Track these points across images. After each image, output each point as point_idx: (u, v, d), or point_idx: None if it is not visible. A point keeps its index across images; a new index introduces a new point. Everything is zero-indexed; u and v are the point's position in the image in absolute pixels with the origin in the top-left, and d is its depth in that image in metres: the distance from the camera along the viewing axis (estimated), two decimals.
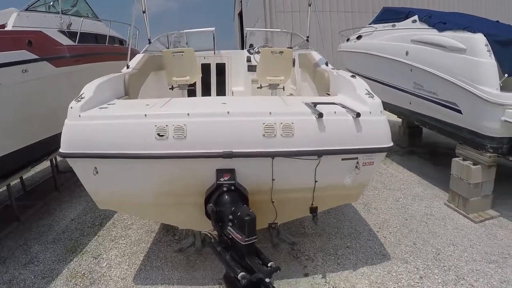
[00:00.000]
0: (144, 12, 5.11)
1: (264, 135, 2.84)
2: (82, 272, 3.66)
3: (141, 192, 3.05)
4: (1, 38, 4.20)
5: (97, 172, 2.88)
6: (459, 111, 4.66)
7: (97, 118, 2.91)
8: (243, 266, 2.63)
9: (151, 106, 3.12)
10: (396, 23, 6.28)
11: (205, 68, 6.46)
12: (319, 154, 2.92)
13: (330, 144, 2.94)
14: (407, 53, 5.59)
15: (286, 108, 3.21)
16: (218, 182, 2.85)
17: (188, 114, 2.87)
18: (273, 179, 2.96)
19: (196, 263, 3.73)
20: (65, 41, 5.44)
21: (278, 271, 2.68)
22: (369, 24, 7.26)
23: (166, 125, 2.80)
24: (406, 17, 6.03)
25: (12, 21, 4.70)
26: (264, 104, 3.52)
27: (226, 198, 2.82)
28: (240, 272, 2.52)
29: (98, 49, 6.17)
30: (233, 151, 2.78)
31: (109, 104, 3.26)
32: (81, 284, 3.46)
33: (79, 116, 2.90)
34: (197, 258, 3.80)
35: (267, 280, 2.51)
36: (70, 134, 2.87)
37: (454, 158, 4.78)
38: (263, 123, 2.85)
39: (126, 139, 2.82)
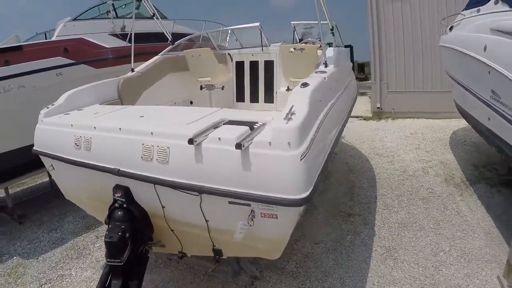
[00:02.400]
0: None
1: (142, 157, 2.60)
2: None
3: (79, 191, 3.38)
4: (40, 48, 4.97)
5: (53, 168, 3.41)
6: None
7: (49, 124, 3.38)
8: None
9: (95, 116, 3.31)
10: (480, 7, 4.50)
11: (253, 66, 6.07)
12: (198, 190, 2.37)
13: (208, 180, 2.33)
14: (485, 48, 3.93)
15: (172, 128, 2.67)
16: (114, 197, 2.82)
17: (95, 127, 2.99)
18: (163, 207, 2.70)
19: None
20: (116, 43, 5.90)
21: None
22: (464, 9, 5.42)
23: (80, 136, 3.02)
24: None
25: (57, 31, 5.43)
26: (169, 120, 3.00)
27: (118, 215, 2.77)
28: None
29: (147, 48, 6.41)
30: (120, 169, 2.71)
31: (73, 111, 3.60)
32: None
33: (42, 121, 3.48)
34: None
35: None
36: (36, 135, 3.46)
37: None
38: (142, 144, 2.63)
39: (60, 145, 3.18)
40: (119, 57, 5.79)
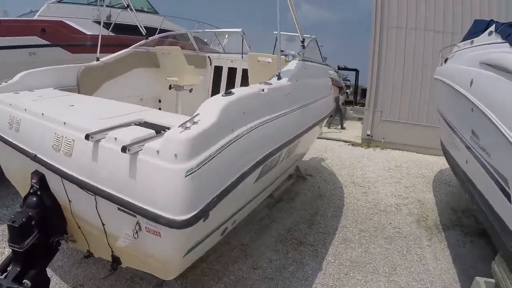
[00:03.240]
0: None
1: (53, 146, 2.49)
2: None
3: (11, 172, 3.34)
4: (17, 25, 4.86)
5: None
6: (508, 196, 2.61)
7: None
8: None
9: (36, 99, 3.15)
10: (474, 39, 4.14)
11: (231, 72, 5.75)
12: (93, 191, 2.15)
13: (101, 181, 2.11)
14: (471, 83, 3.55)
15: (83, 121, 2.44)
16: (31, 182, 2.70)
17: (25, 109, 2.90)
18: (69, 200, 2.57)
19: None
20: (98, 31, 5.64)
21: None
22: (461, 40, 5.07)
23: (13, 117, 2.96)
24: (485, 29, 3.88)
25: (39, 11, 5.36)
26: (91, 113, 2.76)
27: (30, 200, 2.66)
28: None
29: (127, 40, 6.14)
30: (36, 155, 2.60)
31: (25, 91, 3.43)
32: None
33: None
34: None
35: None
36: None
37: (476, 277, 2.78)
38: (55, 133, 2.51)
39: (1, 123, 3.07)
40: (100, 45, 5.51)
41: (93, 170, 2.19)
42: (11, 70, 3.68)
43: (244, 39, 5.52)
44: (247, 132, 2.41)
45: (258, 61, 4.34)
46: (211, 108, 2.22)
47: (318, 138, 10.74)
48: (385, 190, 6.31)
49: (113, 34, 6.03)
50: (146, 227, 2.00)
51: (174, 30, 7.46)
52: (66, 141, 2.36)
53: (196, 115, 2.17)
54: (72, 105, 2.91)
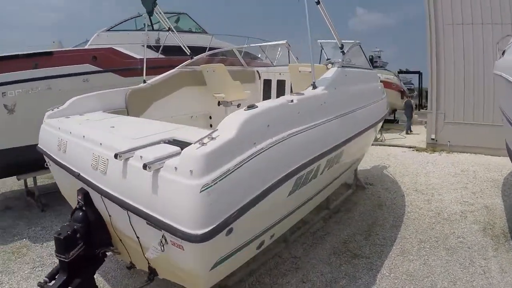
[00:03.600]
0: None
1: (91, 165, 2.70)
2: None
3: (64, 190, 3.69)
4: (69, 55, 5.39)
5: (49, 165, 3.74)
6: None
7: (48, 125, 3.71)
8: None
9: (83, 122, 3.54)
10: None
11: (280, 84, 5.86)
12: (125, 206, 2.34)
13: (131, 197, 2.30)
14: None
15: (117, 141, 2.67)
16: (77, 198, 2.93)
17: (70, 132, 3.20)
18: (109, 215, 2.74)
19: None
20: (148, 54, 6.10)
21: None
22: None
23: (61, 139, 3.29)
24: None
25: (90, 40, 5.85)
26: (126, 133, 3.00)
27: (76, 215, 2.87)
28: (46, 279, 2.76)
29: (176, 61, 6.55)
30: (80, 173, 2.84)
31: (75, 115, 3.85)
32: None
33: (45, 121, 3.85)
34: None
35: None
36: (40, 134, 3.82)
37: None
38: (93, 153, 2.72)
39: (50, 145, 3.49)
40: (150, 67, 5.93)
41: (123, 187, 2.37)
42: (67, 96, 4.11)
43: (289, 51, 5.60)
44: (273, 145, 2.45)
45: (299, 71, 4.38)
46: (231, 123, 2.29)
47: (380, 145, 10.47)
48: (449, 197, 5.93)
49: (163, 56, 6.44)
50: (171, 241, 2.12)
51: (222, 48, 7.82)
52: (102, 161, 2.58)
53: (215, 130, 2.26)
54: (113, 127, 3.18)
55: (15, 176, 5.49)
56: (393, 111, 14.99)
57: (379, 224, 5.01)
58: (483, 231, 4.69)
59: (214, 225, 1.99)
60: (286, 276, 3.76)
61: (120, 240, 2.83)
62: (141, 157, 2.26)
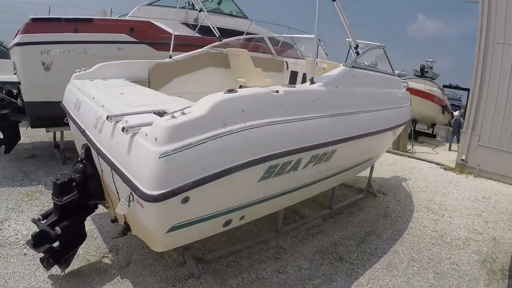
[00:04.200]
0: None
1: (92, 124, 3.02)
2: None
3: (77, 144, 3.96)
4: (108, 24, 5.74)
5: (67, 120, 4.00)
6: None
7: (72, 85, 4.04)
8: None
9: (102, 86, 3.84)
10: None
11: (306, 78, 5.88)
12: (109, 163, 2.62)
13: (114, 155, 2.59)
14: None
15: (116, 105, 2.97)
16: (81, 151, 3.27)
17: (85, 93, 3.52)
18: (101, 170, 3.01)
19: None
20: (184, 31, 6.35)
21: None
22: None
23: (78, 99, 3.63)
24: None
25: (131, 12, 6.15)
26: (130, 100, 3.23)
27: (76, 166, 3.21)
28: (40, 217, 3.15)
29: (210, 41, 6.70)
30: (84, 130, 3.17)
31: (99, 79, 4.15)
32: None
33: (71, 81, 4.20)
34: None
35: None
36: (65, 92, 4.18)
37: None
38: (96, 113, 3.03)
39: (70, 103, 3.88)
40: (182, 44, 6.14)
41: (110, 146, 2.65)
42: (101, 61, 4.42)
43: (319, 46, 5.59)
44: (245, 130, 2.56)
45: (317, 65, 4.40)
46: (206, 103, 2.46)
47: (409, 157, 10.19)
48: (459, 222, 5.73)
49: (199, 35, 6.65)
50: (136, 198, 2.37)
51: (260, 34, 7.87)
52: (100, 121, 2.87)
53: (189, 106, 2.45)
54: (122, 93, 3.45)
55: (45, 129, 5.99)
56: (432, 125, 14.40)
57: (377, 233, 4.97)
58: (481, 263, 4.51)
59: (168, 190, 2.20)
60: (265, 263, 3.89)
61: (108, 194, 3.12)
62: (126, 121, 2.49)
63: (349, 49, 6.37)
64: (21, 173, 5.70)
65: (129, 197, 2.40)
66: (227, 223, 3.00)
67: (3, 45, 14.23)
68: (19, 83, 5.45)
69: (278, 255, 4.09)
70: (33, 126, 5.81)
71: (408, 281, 3.92)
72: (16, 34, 5.31)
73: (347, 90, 3.79)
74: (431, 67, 28.06)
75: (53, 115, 5.26)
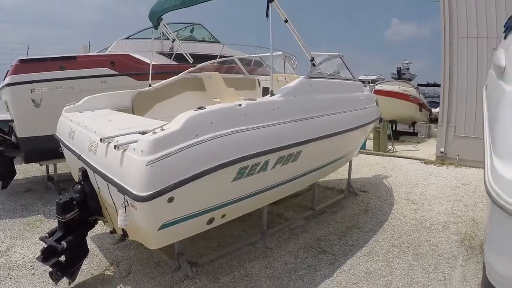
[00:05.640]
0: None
1: (87, 148, 3.44)
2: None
3: (73, 171, 4.35)
4: (90, 60, 6.23)
5: (62, 150, 4.45)
6: None
7: (64, 118, 4.47)
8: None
9: (91, 116, 4.24)
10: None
11: None
12: (105, 178, 3.04)
13: (109, 171, 3.00)
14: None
15: (107, 130, 3.37)
16: (78, 175, 3.65)
17: (78, 123, 3.97)
18: (98, 188, 3.41)
19: None
20: (161, 61, 6.79)
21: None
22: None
23: (71, 129, 4.08)
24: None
25: (110, 47, 6.60)
26: (118, 125, 3.63)
27: (75, 188, 3.57)
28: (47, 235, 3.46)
29: (186, 67, 7.13)
30: (80, 155, 3.58)
31: (87, 111, 4.55)
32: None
33: (62, 114, 4.60)
34: None
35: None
36: (57, 125, 4.59)
37: None
38: (89, 139, 3.46)
39: (64, 133, 4.28)
40: (160, 73, 6.55)
41: (105, 163, 3.06)
42: (87, 95, 4.82)
43: (285, 61, 6.06)
44: (214, 138, 3.00)
45: (278, 80, 4.89)
46: (180, 119, 2.94)
47: (391, 156, 10.58)
48: (439, 208, 6.07)
49: (175, 63, 7.13)
50: (130, 203, 2.77)
51: (232, 56, 8.34)
52: (94, 144, 3.29)
53: (166, 123, 2.96)
54: (110, 120, 3.89)
55: (38, 163, 6.33)
56: (413, 123, 14.90)
57: (358, 227, 5.29)
58: (460, 242, 4.81)
59: (155, 190, 2.64)
60: (253, 261, 4.20)
61: (106, 208, 3.48)
62: (117, 141, 2.91)
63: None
64: (20, 206, 6.00)
65: (125, 203, 2.80)
66: (210, 221, 3.37)
67: None
68: (12, 120, 5.80)
69: (265, 253, 4.39)
70: (27, 161, 6.14)
71: (388, 264, 4.21)
72: (6, 75, 5.72)
73: (306, 98, 4.22)
74: (408, 69, 28.84)
75: (46, 148, 5.61)
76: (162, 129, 2.80)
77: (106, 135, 3.16)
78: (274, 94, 3.85)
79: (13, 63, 5.68)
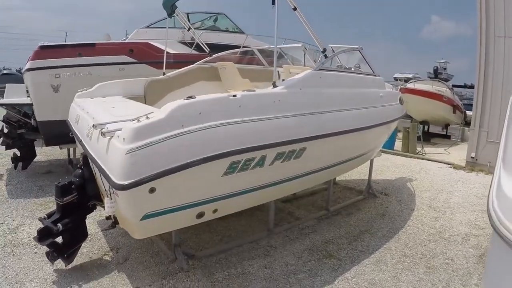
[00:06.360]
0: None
1: (86, 134, 3.44)
2: None
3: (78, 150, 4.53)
4: (109, 47, 6.31)
5: (72, 134, 4.42)
6: None
7: (75, 103, 4.51)
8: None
9: (99, 103, 4.29)
10: None
11: None
12: (96, 165, 3.03)
13: (99, 158, 3.00)
14: None
15: (104, 116, 3.37)
16: (80, 159, 3.74)
17: (83, 109, 4.00)
18: (94, 173, 3.42)
19: None
20: (182, 50, 6.76)
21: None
22: None
23: (78, 114, 4.11)
24: None
25: (130, 35, 6.67)
26: (117, 112, 3.62)
27: (76, 172, 3.62)
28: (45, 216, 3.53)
29: (206, 57, 7.04)
30: (82, 140, 3.60)
31: (98, 97, 4.61)
32: None
33: (74, 100, 4.66)
34: None
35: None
36: (69, 110, 4.63)
37: None
38: (88, 124, 3.45)
39: (73, 118, 4.33)
40: (180, 62, 6.53)
41: (97, 150, 3.05)
42: (105, 81, 4.87)
43: (305, 53, 5.83)
44: (202, 129, 2.87)
45: (290, 72, 4.75)
46: (166, 108, 2.84)
47: (419, 158, 10.10)
48: (461, 218, 5.70)
49: (196, 52, 7.07)
50: (114, 191, 2.75)
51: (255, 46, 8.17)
52: (91, 130, 3.27)
53: (152, 112, 2.87)
54: (113, 107, 3.87)
55: (58, 146, 6.49)
56: (446, 125, 14.15)
57: (372, 232, 5.04)
58: (479, 257, 4.45)
59: (134, 179, 2.58)
60: (253, 259, 4.07)
61: (102, 194, 3.48)
62: (107, 128, 2.90)
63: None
64: (37, 186, 6.20)
65: (109, 191, 2.80)
66: (200, 215, 3.25)
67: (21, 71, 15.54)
68: (31, 104, 5.96)
69: (267, 252, 4.26)
70: (48, 144, 6.31)
71: (395, 276, 3.95)
72: (28, 60, 5.87)
73: (313, 91, 3.96)
74: (445, 68, 27.52)
75: (63, 132, 5.74)
76: (147, 117, 2.72)
77: (100, 121, 3.15)
78: (277, 86, 3.66)
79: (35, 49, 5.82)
